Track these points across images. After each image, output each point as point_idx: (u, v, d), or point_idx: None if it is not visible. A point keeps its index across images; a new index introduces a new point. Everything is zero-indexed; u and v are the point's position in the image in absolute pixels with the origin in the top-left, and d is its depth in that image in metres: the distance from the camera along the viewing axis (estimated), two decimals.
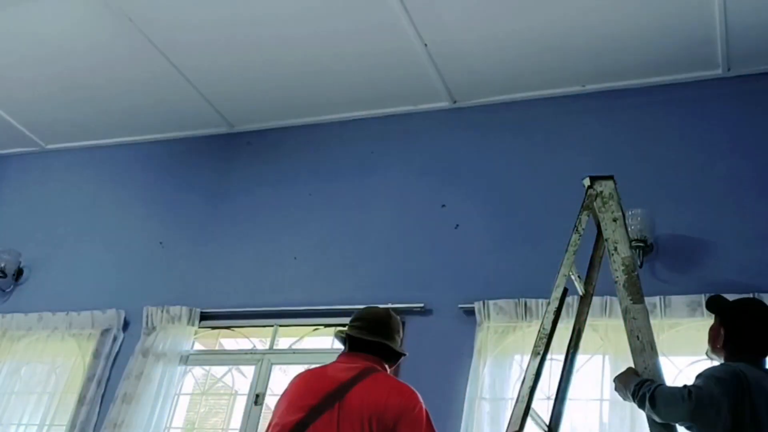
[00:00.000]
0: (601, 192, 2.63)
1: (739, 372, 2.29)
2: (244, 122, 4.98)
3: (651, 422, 2.29)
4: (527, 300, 3.57)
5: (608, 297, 3.34)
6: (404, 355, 2.66)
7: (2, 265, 4.87)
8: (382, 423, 2.31)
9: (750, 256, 3.38)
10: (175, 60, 4.49)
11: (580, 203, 2.68)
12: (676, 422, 2.27)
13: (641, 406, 2.28)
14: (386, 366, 2.57)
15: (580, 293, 2.79)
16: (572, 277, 2.62)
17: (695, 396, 2.17)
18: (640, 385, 2.28)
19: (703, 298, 3.16)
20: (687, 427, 2.28)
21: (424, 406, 2.41)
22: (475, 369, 3.49)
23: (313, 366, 4.27)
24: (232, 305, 4.27)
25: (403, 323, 3.77)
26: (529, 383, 2.42)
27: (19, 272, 4.96)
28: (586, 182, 2.70)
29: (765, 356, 2.46)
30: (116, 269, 4.71)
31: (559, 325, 2.53)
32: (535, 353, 2.45)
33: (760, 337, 2.46)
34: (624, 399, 2.44)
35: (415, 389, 2.45)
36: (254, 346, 4.28)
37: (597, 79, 4.14)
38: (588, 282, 2.80)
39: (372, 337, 2.56)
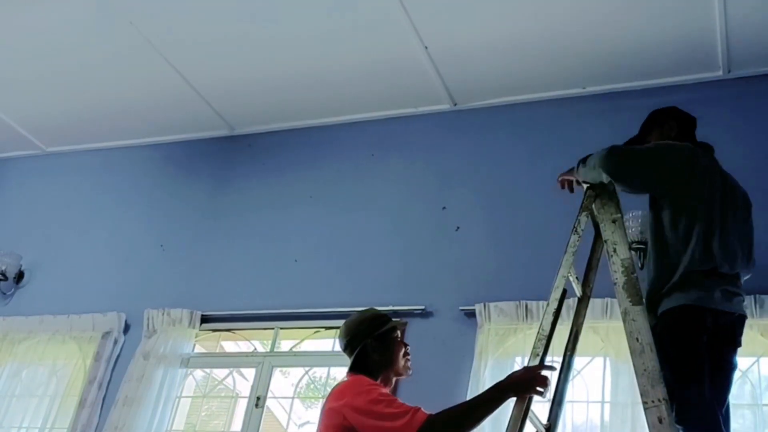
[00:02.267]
0: (601, 193, 2.63)
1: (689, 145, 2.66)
2: (244, 125, 4.98)
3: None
4: (528, 302, 3.57)
5: (609, 299, 3.34)
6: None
7: (3, 268, 4.87)
8: None
9: None
10: (175, 63, 4.49)
11: (580, 205, 2.68)
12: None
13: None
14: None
15: (578, 295, 2.78)
16: (570, 278, 2.62)
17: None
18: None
19: None
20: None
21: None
22: (476, 371, 3.49)
23: (313, 368, 4.33)
24: (233, 308, 4.27)
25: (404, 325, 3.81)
26: None
27: (20, 275, 4.96)
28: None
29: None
30: (117, 272, 4.72)
31: (559, 327, 2.52)
32: (534, 355, 2.44)
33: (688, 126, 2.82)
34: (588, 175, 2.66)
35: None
36: (255, 349, 4.28)
37: (597, 81, 4.15)
38: (585, 284, 2.78)
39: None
